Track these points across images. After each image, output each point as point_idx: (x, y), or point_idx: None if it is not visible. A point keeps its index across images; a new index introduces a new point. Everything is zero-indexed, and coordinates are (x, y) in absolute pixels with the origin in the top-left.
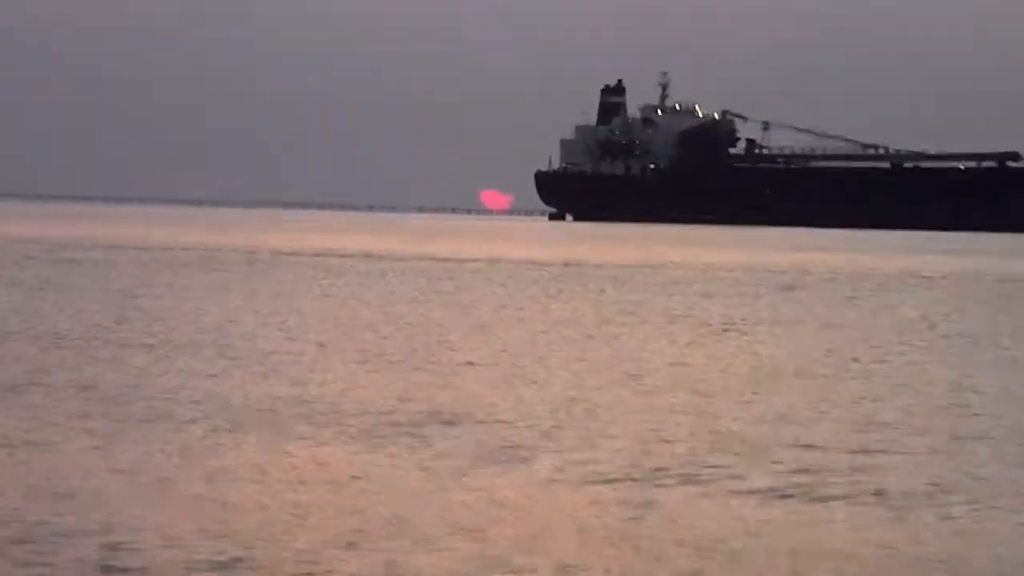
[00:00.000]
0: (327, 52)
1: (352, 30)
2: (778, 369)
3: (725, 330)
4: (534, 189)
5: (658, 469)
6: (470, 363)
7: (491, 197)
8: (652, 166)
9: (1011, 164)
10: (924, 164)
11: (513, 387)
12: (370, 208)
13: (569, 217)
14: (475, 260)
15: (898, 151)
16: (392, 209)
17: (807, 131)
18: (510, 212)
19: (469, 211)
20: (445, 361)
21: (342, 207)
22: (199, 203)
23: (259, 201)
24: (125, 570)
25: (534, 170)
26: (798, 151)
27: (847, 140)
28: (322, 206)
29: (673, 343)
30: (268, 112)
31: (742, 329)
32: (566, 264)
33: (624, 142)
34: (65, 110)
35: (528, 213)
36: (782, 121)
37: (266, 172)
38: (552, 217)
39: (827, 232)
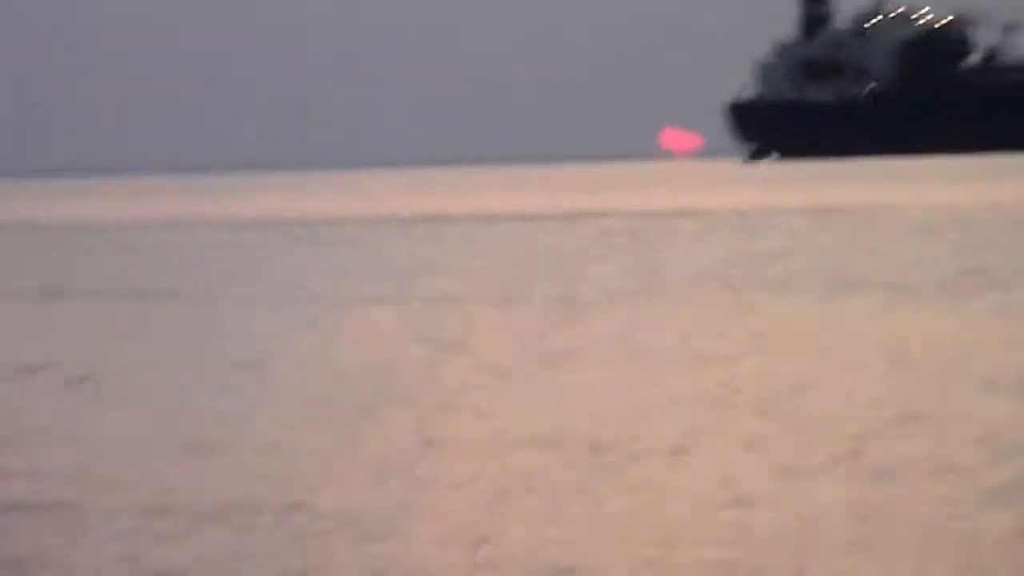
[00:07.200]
0: None
1: None
2: None
3: None
4: (726, 126)
5: None
6: None
7: (675, 138)
8: (870, 87)
9: None
10: None
11: None
12: (519, 160)
13: (775, 155)
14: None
15: None
16: (547, 161)
17: None
18: (700, 155)
19: (645, 157)
20: None
21: (482, 160)
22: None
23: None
24: None
25: (725, 102)
26: None
27: None
28: (446, 162)
29: None
30: (393, 52)
31: None
32: None
33: (832, 61)
34: None
35: (722, 155)
36: None
37: (397, 126)
38: (753, 156)
39: None
